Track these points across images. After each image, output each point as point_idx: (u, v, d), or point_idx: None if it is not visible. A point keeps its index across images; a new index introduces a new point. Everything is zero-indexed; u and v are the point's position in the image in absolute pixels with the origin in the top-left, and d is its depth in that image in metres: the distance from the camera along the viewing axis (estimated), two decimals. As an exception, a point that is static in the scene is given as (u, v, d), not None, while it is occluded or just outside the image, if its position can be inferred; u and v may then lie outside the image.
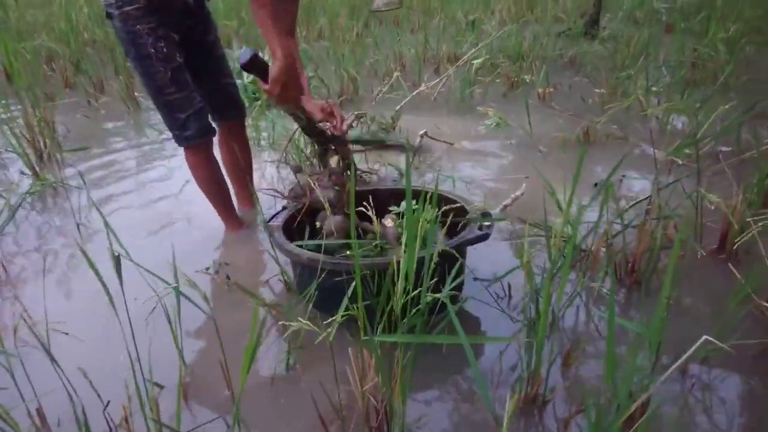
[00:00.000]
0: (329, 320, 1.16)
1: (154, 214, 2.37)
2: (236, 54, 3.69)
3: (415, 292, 1.09)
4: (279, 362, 1.48)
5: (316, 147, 1.98)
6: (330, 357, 1.20)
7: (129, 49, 1.82)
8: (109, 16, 1.81)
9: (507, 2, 7.18)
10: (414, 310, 1.12)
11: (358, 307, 1.05)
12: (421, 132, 2.94)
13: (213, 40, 2.03)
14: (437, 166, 2.86)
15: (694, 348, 0.86)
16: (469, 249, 1.99)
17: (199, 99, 1.94)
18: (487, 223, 1.65)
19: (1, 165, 2.93)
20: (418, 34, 5.73)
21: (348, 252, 1.70)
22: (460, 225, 1.76)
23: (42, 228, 2.26)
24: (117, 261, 1.00)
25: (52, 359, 1.15)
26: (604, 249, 1.84)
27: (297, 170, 2.07)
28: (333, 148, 1.92)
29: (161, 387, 1.37)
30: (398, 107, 3.51)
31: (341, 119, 1.87)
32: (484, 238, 1.60)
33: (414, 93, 3.67)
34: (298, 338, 1.48)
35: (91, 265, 1.03)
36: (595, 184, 2.60)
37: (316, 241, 1.50)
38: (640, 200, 2.03)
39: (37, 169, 2.71)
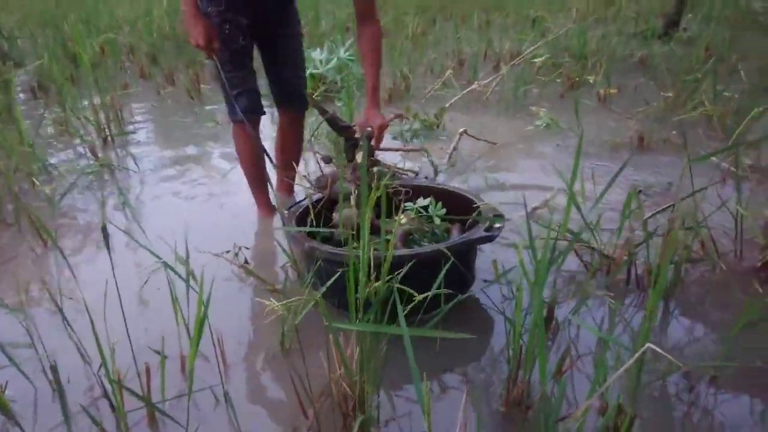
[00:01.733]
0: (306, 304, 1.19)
1: (196, 198, 2.50)
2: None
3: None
4: (275, 344, 1.53)
5: (343, 141, 2.03)
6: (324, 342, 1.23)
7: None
8: None
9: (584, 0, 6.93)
10: (408, 307, 1.14)
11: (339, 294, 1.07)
12: (461, 130, 2.91)
13: (289, 33, 2.13)
14: (474, 165, 2.82)
15: (633, 359, 0.82)
16: (485, 249, 1.97)
17: (252, 81, 2.07)
18: (497, 225, 1.62)
19: (71, 146, 3.18)
20: (483, 32, 5.66)
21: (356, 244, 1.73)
22: (468, 224, 1.74)
23: (92, 205, 2.44)
24: (105, 232, 1.07)
25: (65, 318, 1.26)
26: (626, 257, 1.76)
27: (327, 161, 2.12)
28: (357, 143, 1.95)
29: (165, 356, 1.47)
30: (447, 105, 3.49)
31: (378, 140, 1.92)
32: (489, 239, 1.57)
33: (465, 91, 3.64)
34: (291, 321, 1.53)
35: (106, 243, 1.10)
36: (639, 191, 2.47)
37: (312, 229, 1.53)
38: (663, 208, 1.91)
39: (98, 151, 2.93)
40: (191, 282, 1.21)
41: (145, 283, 1.67)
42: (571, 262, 1.90)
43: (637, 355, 0.82)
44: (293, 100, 2.25)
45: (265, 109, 2.15)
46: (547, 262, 1.09)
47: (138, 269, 1.88)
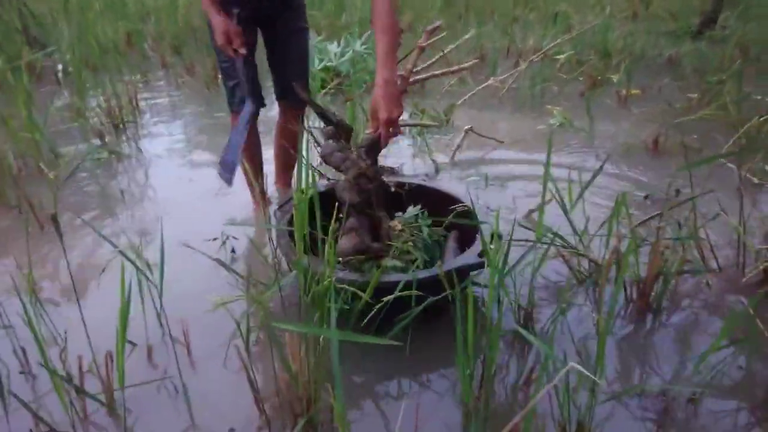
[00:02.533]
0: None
1: (198, 187, 2.51)
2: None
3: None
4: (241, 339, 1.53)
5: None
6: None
7: (209, 23, 1.96)
8: None
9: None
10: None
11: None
12: (466, 128, 2.85)
13: (295, 29, 2.11)
14: (478, 164, 2.77)
15: (559, 376, 0.78)
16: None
17: (251, 73, 2.04)
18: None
19: (82, 132, 3.24)
20: (509, 27, 5.53)
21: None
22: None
23: (93, 191, 2.49)
24: (55, 221, 1.08)
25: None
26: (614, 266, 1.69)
27: (328, 136, 2.00)
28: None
29: (134, 344, 1.49)
30: (458, 102, 3.43)
31: (387, 137, 1.64)
32: (480, 266, 1.48)
33: (479, 87, 3.56)
34: (261, 316, 1.52)
35: (58, 231, 1.12)
36: (645, 197, 2.38)
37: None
38: (651, 217, 1.83)
39: (108, 137, 2.99)
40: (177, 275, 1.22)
41: (103, 271, 1.69)
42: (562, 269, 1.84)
43: (560, 374, 0.78)
44: (294, 97, 2.22)
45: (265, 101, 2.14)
46: (499, 268, 1.05)
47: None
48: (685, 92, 3.62)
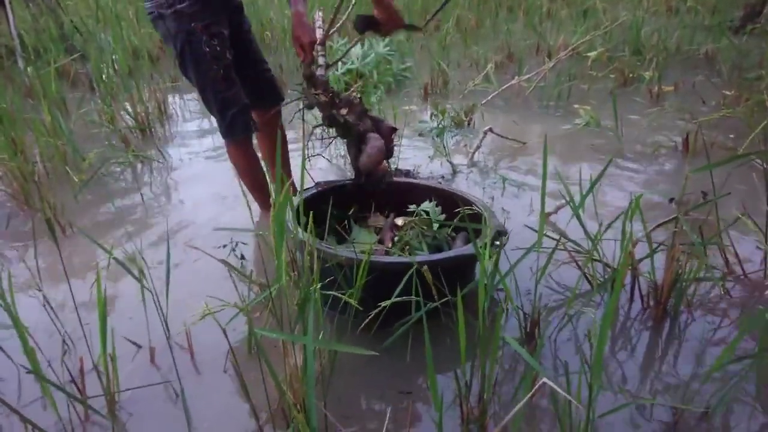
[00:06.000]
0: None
1: (220, 192, 2.53)
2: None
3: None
4: (244, 344, 1.53)
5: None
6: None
7: (183, 49, 1.86)
8: (159, 17, 1.84)
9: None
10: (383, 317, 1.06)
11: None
12: (485, 128, 2.80)
13: (248, 29, 2.10)
14: (498, 165, 2.71)
15: (533, 390, 0.73)
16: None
17: (244, 95, 2.00)
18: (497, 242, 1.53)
19: (110, 137, 3.32)
20: (542, 23, 5.42)
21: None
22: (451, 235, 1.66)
23: (114, 194, 2.54)
24: (50, 225, 1.10)
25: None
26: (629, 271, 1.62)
27: (309, 107, 1.98)
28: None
29: (139, 346, 1.52)
30: (482, 102, 3.38)
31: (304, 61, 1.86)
32: (470, 258, 1.48)
33: (504, 87, 3.50)
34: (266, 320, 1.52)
35: (53, 236, 1.15)
36: (671, 200, 2.28)
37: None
38: (666, 221, 1.74)
39: (133, 142, 3.06)
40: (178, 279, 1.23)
41: (99, 275, 1.71)
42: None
43: (533, 390, 0.74)
44: (272, 92, 2.19)
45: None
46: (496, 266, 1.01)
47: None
48: (721, 89, 3.47)
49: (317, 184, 1.94)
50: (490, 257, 1.32)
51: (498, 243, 1.49)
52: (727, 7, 5.62)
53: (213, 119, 3.59)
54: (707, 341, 1.52)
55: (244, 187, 2.05)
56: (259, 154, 2.25)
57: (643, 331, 1.58)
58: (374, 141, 1.85)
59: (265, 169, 2.22)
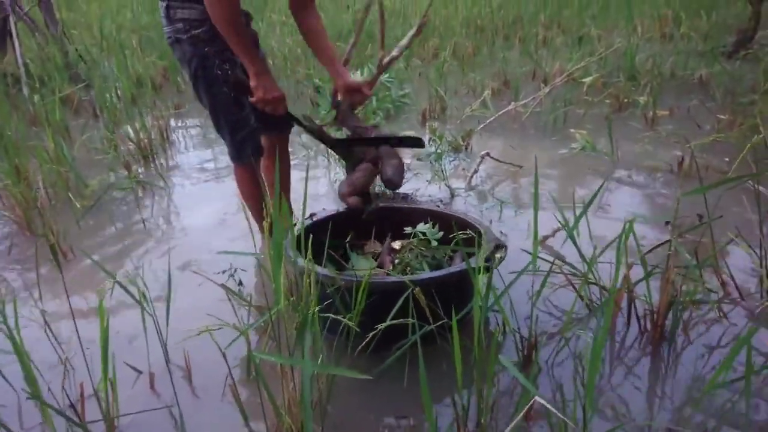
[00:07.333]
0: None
1: (216, 218, 2.56)
2: None
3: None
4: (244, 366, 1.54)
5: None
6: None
7: (197, 73, 1.90)
8: (177, 41, 1.88)
9: (652, 17, 6.60)
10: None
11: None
12: (482, 153, 2.84)
13: (262, 58, 2.11)
14: (494, 190, 2.74)
15: (525, 409, 0.75)
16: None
17: (254, 120, 2.03)
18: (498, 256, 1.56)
19: (112, 164, 3.37)
20: (538, 50, 5.52)
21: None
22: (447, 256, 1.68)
23: (115, 220, 2.57)
24: (54, 251, 1.12)
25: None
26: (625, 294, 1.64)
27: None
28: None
29: (139, 372, 1.52)
30: (479, 127, 3.43)
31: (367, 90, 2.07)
32: (461, 274, 1.49)
33: (500, 112, 3.55)
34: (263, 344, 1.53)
35: (56, 261, 1.17)
36: (667, 223, 2.31)
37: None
38: (659, 244, 1.76)
39: (135, 168, 3.10)
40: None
41: (99, 304, 1.73)
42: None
43: (525, 409, 0.75)
44: (281, 120, 2.12)
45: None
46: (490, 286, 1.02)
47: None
48: (715, 113, 3.52)
49: (311, 215, 1.96)
50: (486, 271, 1.34)
51: (498, 256, 1.51)
52: (720, 33, 5.72)
53: (215, 146, 3.71)
54: (704, 364, 1.52)
55: (248, 211, 2.09)
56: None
57: (641, 354, 1.58)
58: (392, 157, 2.00)
59: (269, 194, 2.24)
